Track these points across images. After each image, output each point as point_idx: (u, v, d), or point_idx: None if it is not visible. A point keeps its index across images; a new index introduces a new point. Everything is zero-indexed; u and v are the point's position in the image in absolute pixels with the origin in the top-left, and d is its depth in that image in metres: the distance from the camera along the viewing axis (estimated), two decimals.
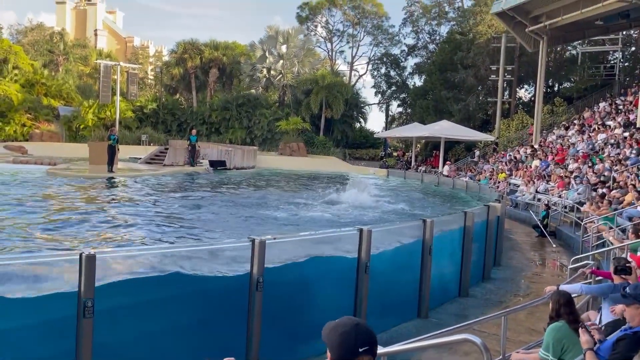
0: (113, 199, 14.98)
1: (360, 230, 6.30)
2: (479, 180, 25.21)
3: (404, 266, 7.40)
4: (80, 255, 4.10)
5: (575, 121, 28.28)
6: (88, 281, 4.10)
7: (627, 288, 3.40)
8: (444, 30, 49.47)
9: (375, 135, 47.24)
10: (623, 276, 4.48)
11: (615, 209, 11.90)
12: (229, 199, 16.19)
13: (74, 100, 42.68)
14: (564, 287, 4.66)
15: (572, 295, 4.52)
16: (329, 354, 1.73)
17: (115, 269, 4.60)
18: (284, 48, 44.15)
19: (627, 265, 4.30)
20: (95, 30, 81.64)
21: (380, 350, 2.96)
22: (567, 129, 27.78)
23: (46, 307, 4.19)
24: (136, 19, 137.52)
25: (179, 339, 4.85)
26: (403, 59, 54.35)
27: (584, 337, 3.43)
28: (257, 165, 31.30)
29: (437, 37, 50.30)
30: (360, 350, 1.71)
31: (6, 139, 35.62)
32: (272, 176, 26.58)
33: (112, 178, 19.47)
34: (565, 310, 3.94)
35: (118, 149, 21.11)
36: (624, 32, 33.06)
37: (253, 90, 46.18)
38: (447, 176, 30.03)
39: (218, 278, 5.25)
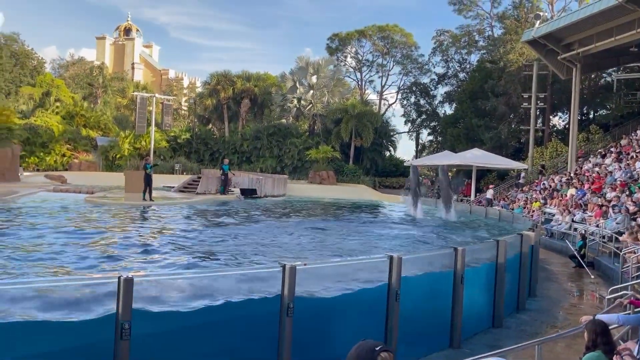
0: (149, 225, 15.33)
1: (391, 258, 6.29)
2: (513, 209, 24.75)
3: (435, 294, 7.31)
4: (119, 278, 4.24)
5: (612, 149, 27.64)
6: (126, 304, 4.22)
7: None
8: (474, 58, 49.60)
9: (405, 164, 47.13)
10: None
11: None
12: (270, 224, 16.34)
13: (111, 130, 44.25)
14: (600, 317, 4.55)
15: (611, 327, 4.41)
16: None
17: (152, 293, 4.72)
18: (314, 78, 44.91)
19: None
20: (133, 63, 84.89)
21: None
22: (603, 157, 27.16)
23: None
24: (171, 52, 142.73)
25: None
26: (433, 88, 54.53)
27: None
28: (287, 193, 31.54)
29: (467, 66, 50.38)
30: (376, 349, 1.96)
31: (47, 169, 37.04)
32: (302, 204, 26.71)
33: (148, 205, 19.95)
34: (602, 340, 3.85)
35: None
36: None
37: (284, 120, 46.97)
38: (491, 200, 29.53)
39: (249, 304, 5.30)
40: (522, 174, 33.55)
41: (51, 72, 58.39)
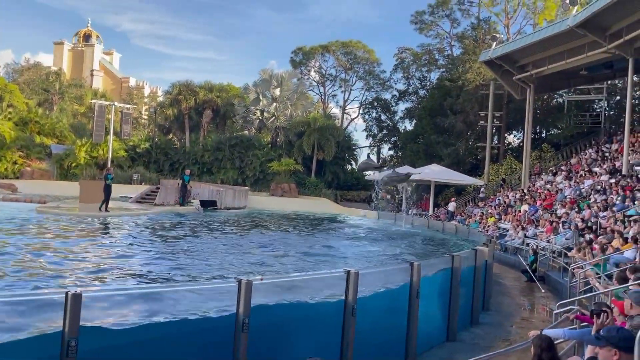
0: (103, 237, 14.91)
1: (348, 273, 6.33)
2: (469, 224, 25.34)
3: (391, 309, 7.39)
4: (66, 293, 4.10)
5: (563, 167, 28.77)
6: (73, 320, 4.08)
7: (601, 330, 3.46)
8: (434, 76, 50.84)
9: (366, 177, 47.56)
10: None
11: (604, 255, 12.00)
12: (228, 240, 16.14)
13: (67, 138, 42.89)
14: (547, 332, 4.70)
15: (557, 341, 4.55)
16: None
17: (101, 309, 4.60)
18: (277, 91, 44.99)
19: (603, 309, 4.37)
20: (92, 70, 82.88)
21: None
22: (554, 174, 28.21)
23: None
24: (133, 60, 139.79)
25: None
26: (394, 104, 55.51)
27: None
28: (248, 205, 31.32)
29: (427, 83, 51.55)
30: None
31: None
32: (262, 217, 26.56)
33: (104, 216, 19.41)
34: (547, 355, 3.98)
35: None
36: (609, 82, 34.09)
37: (246, 132, 46.72)
38: (453, 212, 30.11)
39: (202, 320, 5.24)
40: (482, 189, 34.39)
41: (4, 77, 56.28)
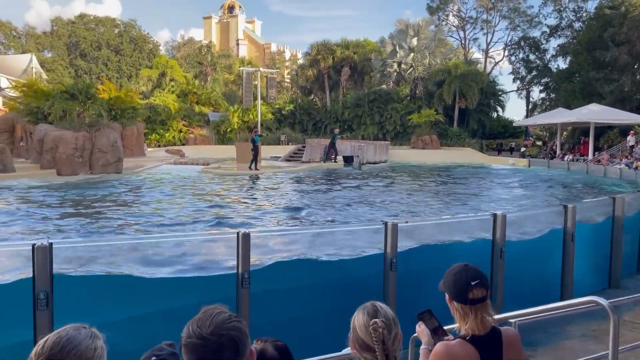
0: (264, 190, 16.40)
1: (494, 215, 6.29)
2: (637, 168, 22.78)
3: (544, 253, 7.18)
4: (238, 233, 4.75)
5: None
6: (244, 256, 4.73)
7: None
8: (591, 5, 45.26)
9: (514, 124, 44.73)
10: None
11: None
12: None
13: (221, 106, 46.74)
14: None
15: None
16: (447, 297, 1.99)
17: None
18: (414, 41, 43.76)
19: None
20: (237, 40, 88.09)
21: (503, 315, 3.10)
22: None
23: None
24: (272, 26, 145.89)
25: (319, 324, 5.22)
26: (544, 41, 50.77)
27: None
28: (389, 159, 31.55)
29: (584, 14, 46.10)
30: (472, 283, 1.93)
31: (167, 144, 40.19)
32: (404, 169, 26.62)
33: (259, 174, 21.30)
34: None
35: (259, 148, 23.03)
36: None
37: (384, 86, 46.44)
38: (633, 147, 27.13)
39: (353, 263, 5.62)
40: None
41: (165, 54, 62.63)
